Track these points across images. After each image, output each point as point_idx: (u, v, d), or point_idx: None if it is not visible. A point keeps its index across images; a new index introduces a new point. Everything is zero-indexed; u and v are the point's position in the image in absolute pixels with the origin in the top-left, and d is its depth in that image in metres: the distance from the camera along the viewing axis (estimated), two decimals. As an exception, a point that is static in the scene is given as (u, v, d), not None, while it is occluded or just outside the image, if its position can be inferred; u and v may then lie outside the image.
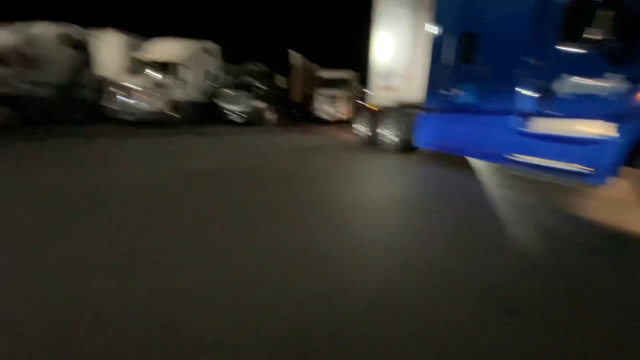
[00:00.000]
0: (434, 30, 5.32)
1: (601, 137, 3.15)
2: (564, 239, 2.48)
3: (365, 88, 16.50)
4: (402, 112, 6.50)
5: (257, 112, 11.92)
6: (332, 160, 5.83)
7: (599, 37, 3.05)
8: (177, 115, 10.36)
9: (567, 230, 2.70)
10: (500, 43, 4.22)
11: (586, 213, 3.19)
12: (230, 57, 14.85)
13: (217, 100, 12.23)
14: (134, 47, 11.35)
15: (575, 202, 3.52)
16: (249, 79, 12.75)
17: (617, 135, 3.04)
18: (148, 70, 10.38)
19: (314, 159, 5.81)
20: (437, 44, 5.27)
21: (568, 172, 3.45)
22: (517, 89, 3.92)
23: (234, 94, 11.88)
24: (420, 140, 5.85)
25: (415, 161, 5.98)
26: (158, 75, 10.19)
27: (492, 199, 3.56)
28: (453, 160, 5.92)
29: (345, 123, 15.66)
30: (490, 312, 1.51)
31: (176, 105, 10.48)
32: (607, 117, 3.13)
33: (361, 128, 8.33)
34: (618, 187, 3.47)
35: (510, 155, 4.03)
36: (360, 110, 8.60)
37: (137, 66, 10.71)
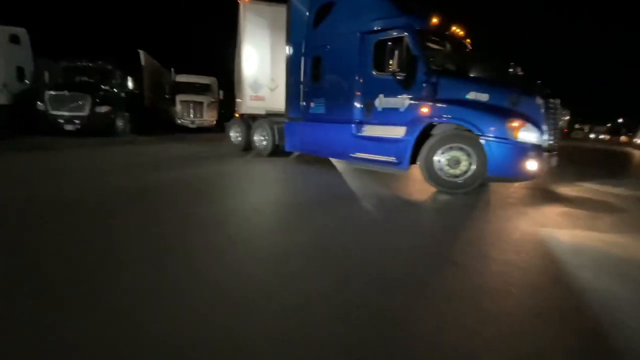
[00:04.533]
0: (289, 51, 6.65)
1: (400, 137, 4.99)
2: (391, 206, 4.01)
3: (224, 93, 17.06)
4: (271, 120, 7.62)
5: (102, 118, 10.75)
6: (220, 167, 6.29)
7: (392, 68, 4.88)
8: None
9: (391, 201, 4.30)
10: (338, 67, 5.84)
11: (395, 189, 4.99)
12: (60, 51, 12.76)
13: (40, 105, 10.36)
14: None
15: (391, 183, 5.36)
16: (90, 80, 11.33)
17: (409, 135, 4.93)
18: None
19: (204, 168, 6.10)
20: (292, 63, 6.62)
21: (386, 162, 5.22)
22: (352, 103, 5.57)
23: (67, 96, 10.35)
24: (288, 145, 7.11)
25: (289, 162, 7.18)
26: None
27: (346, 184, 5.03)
28: (316, 159, 7.43)
29: (208, 130, 15.82)
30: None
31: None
32: (403, 124, 5.00)
33: (235, 135, 9.03)
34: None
35: (352, 153, 5.65)
36: (233, 118, 9.25)
37: None
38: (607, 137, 30.21)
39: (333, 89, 5.96)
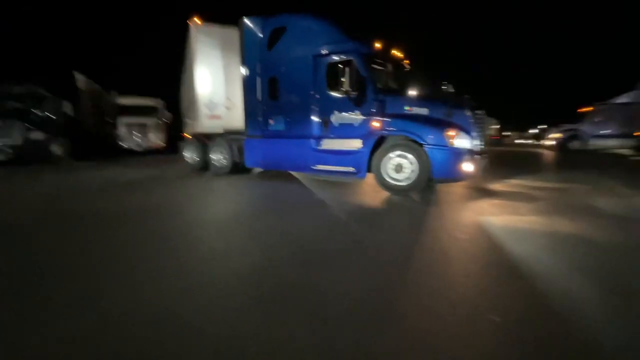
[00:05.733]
0: (245, 72, 7.01)
1: (357, 149, 5.58)
2: (347, 211, 4.49)
3: (171, 115, 16.79)
4: (230, 138, 7.83)
5: (36, 145, 10.03)
6: (184, 189, 6.32)
7: (345, 87, 5.49)
8: None
9: (348, 204, 4.78)
10: (294, 87, 6.33)
11: (355, 194, 5.53)
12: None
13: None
14: None
15: (351, 190, 5.90)
16: (20, 104, 10.51)
17: (365, 147, 5.53)
18: None
19: (158, 191, 6.10)
20: (249, 83, 6.98)
21: (346, 172, 5.76)
22: (310, 119, 6.07)
23: (-7, 123, 9.54)
24: (249, 161, 7.37)
25: (251, 178, 7.40)
26: None
27: (305, 193, 5.43)
28: (277, 174, 7.76)
29: (157, 152, 15.37)
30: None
31: None
32: (358, 137, 5.60)
33: (191, 155, 9.02)
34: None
35: (312, 165, 6.11)
36: (187, 138, 9.25)
37: None
38: (532, 141, 34.74)
39: (291, 107, 6.41)
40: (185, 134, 10.34)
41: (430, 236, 3.24)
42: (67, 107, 11.96)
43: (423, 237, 3.22)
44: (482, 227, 3.51)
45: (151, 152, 15.15)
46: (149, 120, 15.46)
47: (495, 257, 2.66)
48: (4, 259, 2.69)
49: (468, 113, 5.19)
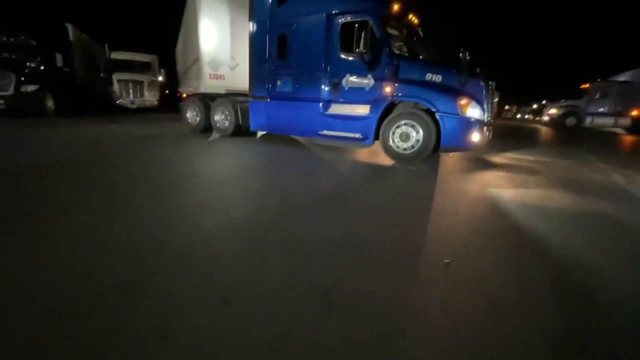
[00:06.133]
0: (253, 28, 6.71)
1: (366, 115, 5.55)
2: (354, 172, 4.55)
3: (166, 72, 16.11)
4: (233, 99, 7.64)
5: (30, 98, 9.64)
6: (185, 149, 6.26)
7: (358, 49, 5.33)
8: None
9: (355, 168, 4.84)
10: (305, 47, 6.11)
11: (362, 157, 5.58)
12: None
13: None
14: None
15: (358, 154, 5.93)
16: (12, 56, 9.95)
17: (373, 113, 5.49)
18: None
19: (158, 150, 6.03)
20: (257, 41, 6.70)
21: (353, 139, 5.76)
22: (319, 82, 5.94)
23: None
24: (253, 124, 7.25)
25: (254, 141, 7.34)
26: None
27: (314, 158, 5.45)
28: (281, 138, 7.69)
29: (150, 110, 14.97)
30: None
31: None
32: (368, 102, 5.54)
33: (192, 115, 8.81)
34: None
35: (319, 131, 6.07)
36: (189, 98, 8.99)
37: None
38: (531, 117, 34.58)
39: (300, 68, 6.22)
40: (183, 94, 10.06)
41: (431, 199, 3.35)
42: (59, 60, 11.37)
43: (423, 200, 3.33)
44: (481, 192, 3.63)
45: (145, 110, 14.75)
46: (142, 77, 14.89)
47: (497, 225, 2.79)
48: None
49: (482, 83, 5.15)
